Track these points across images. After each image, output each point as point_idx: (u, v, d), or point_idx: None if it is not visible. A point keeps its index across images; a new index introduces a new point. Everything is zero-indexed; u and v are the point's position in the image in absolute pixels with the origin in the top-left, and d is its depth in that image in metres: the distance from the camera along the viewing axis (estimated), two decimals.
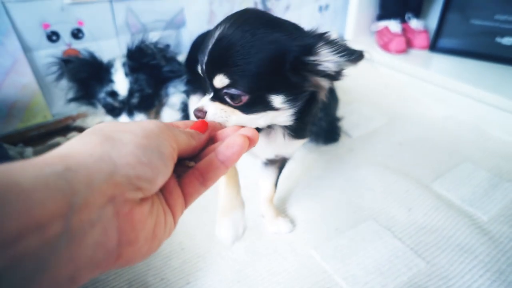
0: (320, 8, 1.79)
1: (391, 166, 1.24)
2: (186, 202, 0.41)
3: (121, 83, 1.06)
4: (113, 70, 1.07)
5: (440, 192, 1.13)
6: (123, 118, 1.11)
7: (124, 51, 1.33)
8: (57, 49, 1.22)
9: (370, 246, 0.95)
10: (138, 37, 1.09)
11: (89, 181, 0.28)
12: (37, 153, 1.20)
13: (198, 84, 0.59)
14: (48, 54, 1.20)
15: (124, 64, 1.08)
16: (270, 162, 0.91)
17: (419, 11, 1.75)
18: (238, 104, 0.55)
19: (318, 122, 1.32)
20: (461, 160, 1.27)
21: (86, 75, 1.07)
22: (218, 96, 0.56)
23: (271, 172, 0.93)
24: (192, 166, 0.41)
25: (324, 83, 0.57)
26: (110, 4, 1.25)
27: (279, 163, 0.91)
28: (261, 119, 0.57)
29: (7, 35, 1.11)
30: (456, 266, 0.89)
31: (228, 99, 0.55)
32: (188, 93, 1.17)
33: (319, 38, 0.52)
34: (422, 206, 1.07)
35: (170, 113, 1.22)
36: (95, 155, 0.30)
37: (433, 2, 1.78)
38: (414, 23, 1.71)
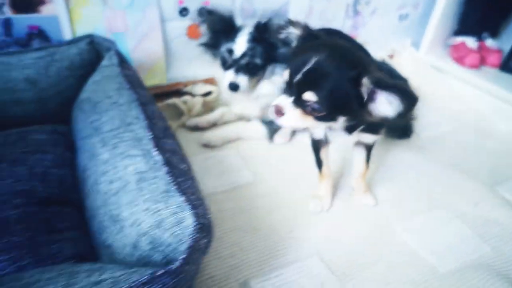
0: (400, 17, 1.93)
1: (458, 167, 1.39)
2: None
3: (240, 45, 1.24)
4: (239, 34, 1.25)
5: (503, 194, 1.27)
6: (230, 73, 1.27)
7: None
8: (184, 23, 1.41)
9: (441, 229, 1.11)
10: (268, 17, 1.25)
11: None
12: None
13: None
14: (176, 26, 1.40)
15: (250, 33, 1.25)
16: (357, 144, 1.09)
17: (495, 32, 1.86)
18: (314, 115, 0.77)
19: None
20: None
21: (220, 29, 1.26)
22: (300, 103, 0.76)
23: (360, 151, 1.11)
24: None
25: (370, 119, 0.76)
26: None
27: (364, 146, 1.09)
28: (323, 125, 0.85)
29: (150, 6, 1.30)
30: None
31: (308, 108, 0.76)
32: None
33: (378, 83, 0.71)
34: (487, 203, 1.21)
35: (268, 87, 1.35)
36: None
37: (510, 25, 1.89)
38: (489, 42, 1.83)
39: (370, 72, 0.72)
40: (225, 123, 1.44)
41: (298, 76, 0.74)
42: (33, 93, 1.02)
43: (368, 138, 1.04)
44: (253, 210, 1.11)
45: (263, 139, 1.40)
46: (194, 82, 1.49)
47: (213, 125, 1.41)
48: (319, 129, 0.99)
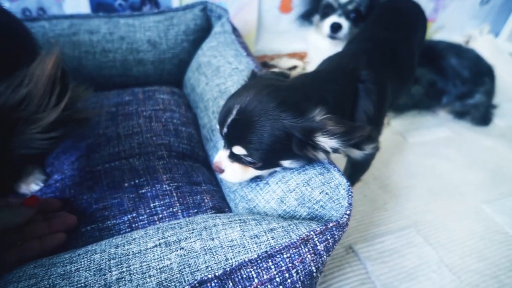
0: (482, 2, 1.89)
1: None
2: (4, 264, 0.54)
3: None
4: None
5: None
6: (333, 16, 1.28)
7: None
8: None
9: None
10: None
11: None
12: None
13: None
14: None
15: None
16: None
17: None
18: (253, 166, 0.68)
19: (479, 105, 1.48)
20: None
21: None
22: (236, 156, 0.67)
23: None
24: (19, 244, 0.58)
25: (321, 156, 0.65)
26: None
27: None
28: (273, 170, 0.72)
29: None
30: None
31: (244, 161, 0.67)
32: None
33: (319, 125, 0.59)
34: None
35: None
36: None
37: None
38: None
39: (307, 112, 0.61)
40: None
41: (224, 129, 0.65)
42: (153, 54, 1.08)
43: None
44: None
45: None
46: (279, 56, 1.53)
47: None
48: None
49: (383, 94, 0.85)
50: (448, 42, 1.54)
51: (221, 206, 0.81)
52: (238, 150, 0.65)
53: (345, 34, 1.29)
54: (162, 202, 0.76)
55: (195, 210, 0.77)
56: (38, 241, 0.61)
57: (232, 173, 0.70)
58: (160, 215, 0.74)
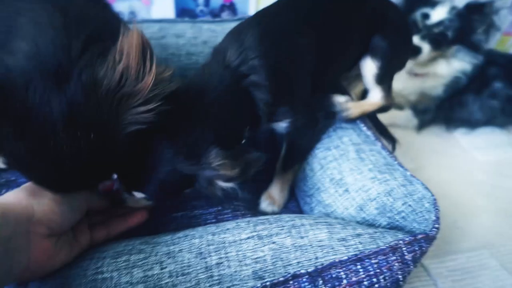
0: None
1: None
2: (93, 241, 0.60)
3: (440, 13, 1.21)
4: (440, 3, 1.23)
5: None
6: (414, 38, 1.19)
7: None
8: None
9: None
10: None
11: (16, 220, 0.47)
12: None
13: None
14: None
15: (453, 7, 1.22)
16: None
17: None
18: None
19: None
20: None
21: None
22: None
23: None
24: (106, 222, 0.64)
25: (219, 192, 0.62)
26: None
27: None
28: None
29: None
30: None
31: None
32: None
33: (215, 173, 0.57)
34: None
35: (444, 68, 1.31)
36: (22, 205, 0.50)
37: None
38: None
39: (201, 157, 0.57)
40: None
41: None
42: None
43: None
44: None
45: (411, 129, 1.42)
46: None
47: None
48: None
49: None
50: None
51: (294, 208, 0.84)
52: (138, 194, 0.63)
53: (424, 59, 1.24)
54: (214, 209, 0.78)
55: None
56: (123, 218, 0.66)
57: (134, 202, 0.67)
58: (242, 211, 0.78)
